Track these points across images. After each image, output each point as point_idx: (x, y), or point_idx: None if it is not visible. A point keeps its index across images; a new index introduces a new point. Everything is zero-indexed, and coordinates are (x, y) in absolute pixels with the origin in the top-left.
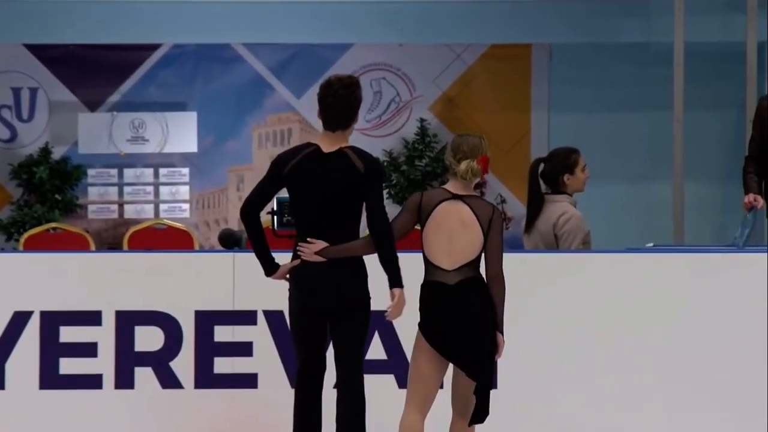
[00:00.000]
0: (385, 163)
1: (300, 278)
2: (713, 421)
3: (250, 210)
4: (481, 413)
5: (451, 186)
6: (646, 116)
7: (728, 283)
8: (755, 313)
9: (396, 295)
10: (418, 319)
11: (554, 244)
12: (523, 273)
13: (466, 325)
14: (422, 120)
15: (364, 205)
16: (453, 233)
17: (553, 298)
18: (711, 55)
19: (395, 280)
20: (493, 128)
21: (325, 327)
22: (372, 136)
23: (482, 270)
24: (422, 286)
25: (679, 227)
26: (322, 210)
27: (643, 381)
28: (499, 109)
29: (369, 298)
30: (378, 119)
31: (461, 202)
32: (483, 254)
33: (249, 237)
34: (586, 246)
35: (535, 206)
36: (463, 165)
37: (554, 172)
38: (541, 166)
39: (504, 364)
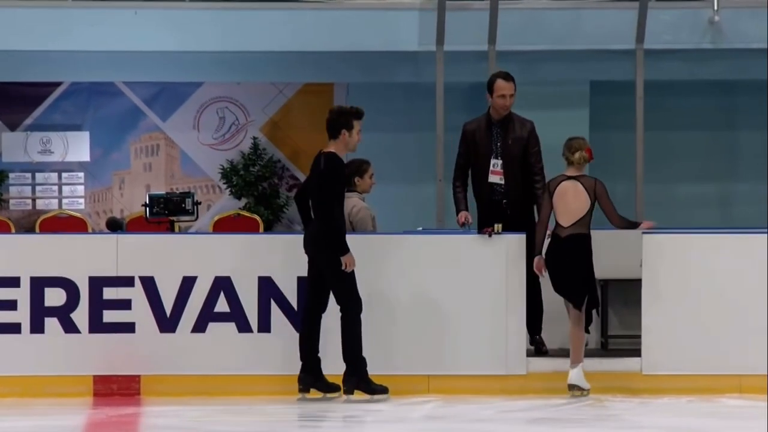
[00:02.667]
0: (228, 170)
1: None
2: None
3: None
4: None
5: (568, 171)
6: (417, 136)
7: (474, 264)
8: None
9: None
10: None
11: (349, 228)
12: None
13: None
14: (255, 138)
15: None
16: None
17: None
18: (464, 91)
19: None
20: (306, 144)
21: None
22: (218, 150)
23: None
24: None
25: (441, 217)
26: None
27: None
28: (310, 131)
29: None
30: (222, 137)
31: (575, 180)
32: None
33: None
34: (374, 229)
35: None
36: (577, 155)
37: (349, 176)
38: None
39: None
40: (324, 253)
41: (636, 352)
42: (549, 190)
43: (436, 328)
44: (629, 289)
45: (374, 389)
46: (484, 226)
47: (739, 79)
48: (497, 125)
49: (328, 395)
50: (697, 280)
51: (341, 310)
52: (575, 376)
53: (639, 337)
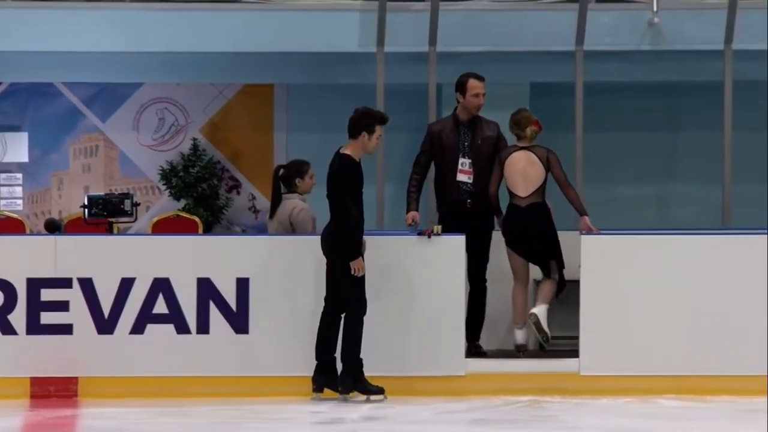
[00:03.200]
0: (167, 171)
1: None
2: None
3: None
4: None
5: (520, 143)
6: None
7: (413, 265)
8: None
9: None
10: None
11: (291, 229)
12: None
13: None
14: (194, 139)
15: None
16: (525, 170)
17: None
18: (405, 93)
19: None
20: (246, 145)
21: None
22: (158, 151)
23: None
24: (507, 208)
25: (381, 217)
26: None
27: None
28: (250, 131)
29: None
30: (162, 138)
31: (527, 150)
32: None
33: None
34: (314, 230)
35: (275, 201)
36: (528, 130)
37: (290, 177)
38: (281, 172)
39: None
40: (336, 252)
41: (574, 353)
42: (500, 161)
43: (376, 329)
44: (568, 291)
45: (370, 389)
46: (446, 226)
47: (678, 81)
48: (465, 125)
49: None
50: (636, 281)
51: (345, 309)
52: (540, 310)
53: (577, 338)
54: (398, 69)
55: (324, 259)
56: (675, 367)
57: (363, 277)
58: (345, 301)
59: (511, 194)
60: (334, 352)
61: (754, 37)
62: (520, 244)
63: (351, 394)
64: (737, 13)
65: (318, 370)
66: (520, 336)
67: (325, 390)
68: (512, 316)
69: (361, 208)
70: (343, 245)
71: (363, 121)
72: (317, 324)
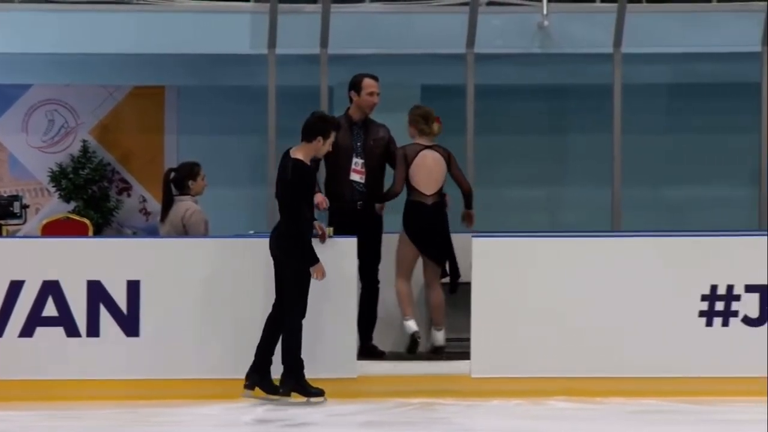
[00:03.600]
0: (57, 173)
1: None
2: None
3: None
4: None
5: (423, 141)
6: (249, 139)
7: None
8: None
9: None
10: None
11: (183, 231)
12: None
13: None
14: (84, 141)
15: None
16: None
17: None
18: (296, 95)
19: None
20: (137, 147)
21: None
22: (48, 153)
23: None
24: (408, 204)
25: (272, 220)
26: None
27: None
28: (141, 133)
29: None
30: (52, 140)
31: (431, 149)
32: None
33: None
34: (206, 232)
35: (167, 203)
36: (435, 126)
37: (182, 179)
38: (172, 174)
39: None
40: (290, 256)
41: (465, 355)
42: (406, 159)
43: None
44: (460, 293)
45: (310, 392)
46: (337, 225)
47: (568, 84)
48: (358, 125)
49: (270, 396)
50: (526, 283)
51: (285, 313)
52: (442, 337)
53: (468, 340)
54: (290, 71)
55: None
56: (566, 369)
57: (309, 283)
58: (288, 303)
59: (416, 192)
60: (272, 354)
61: (643, 40)
62: (425, 242)
63: (292, 395)
64: (626, 17)
65: (254, 368)
66: (412, 325)
67: (256, 389)
68: (401, 312)
69: (312, 211)
70: (297, 250)
71: (320, 126)
72: (208, 327)
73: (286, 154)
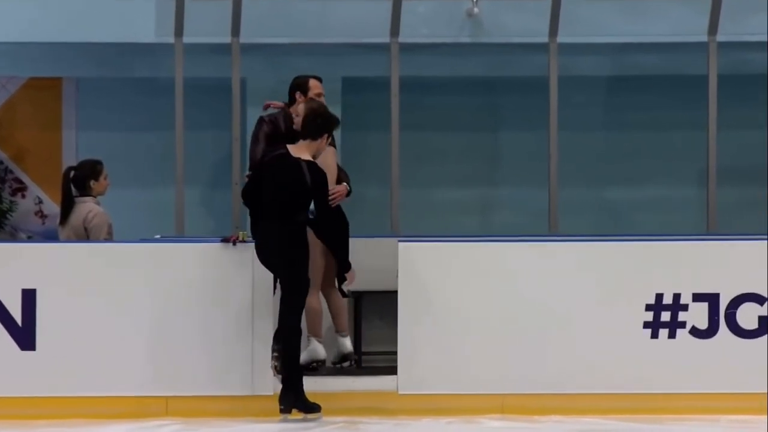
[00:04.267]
0: None
1: None
2: None
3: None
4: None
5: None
6: (154, 135)
7: (216, 275)
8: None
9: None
10: None
11: (84, 235)
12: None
13: None
14: None
15: None
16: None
17: None
18: (206, 88)
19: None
20: (33, 144)
21: None
22: None
23: None
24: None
25: (180, 223)
26: None
27: None
28: (37, 129)
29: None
30: None
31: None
32: None
33: None
34: (110, 236)
35: (67, 205)
36: None
37: (83, 178)
38: (72, 173)
39: None
40: (290, 262)
41: (392, 370)
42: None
43: (173, 346)
44: (384, 302)
45: (310, 407)
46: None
47: (499, 76)
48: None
49: (309, 416)
50: (458, 292)
51: (283, 319)
52: (349, 343)
53: (395, 353)
54: (198, 61)
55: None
56: (500, 385)
57: (307, 290)
58: (286, 309)
59: None
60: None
61: (581, 29)
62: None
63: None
64: (562, 3)
65: (286, 388)
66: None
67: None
68: (316, 328)
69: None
70: (299, 254)
71: (325, 124)
72: (112, 340)
73: (286, 156)
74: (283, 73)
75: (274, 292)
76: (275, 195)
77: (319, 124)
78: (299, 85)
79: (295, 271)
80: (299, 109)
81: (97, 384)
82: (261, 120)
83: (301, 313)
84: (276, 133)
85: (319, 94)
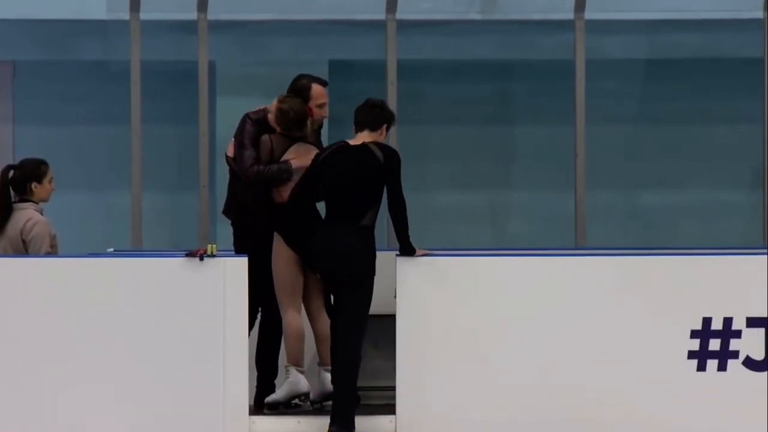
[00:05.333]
0: None
1: None
2: None
3: None
4: None
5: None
6: (107, 128)
7: (181, 295)
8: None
9: None
10: None
11: (23, 248)
12: None
13: None
14: None
15: None
16: None
17: None
18: (168, 73)
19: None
20: None
21: None
22: None
23: None
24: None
25: (138, 234)
26: None
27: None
28: None
29: None
30: None
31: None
32: None
33: None
34: (54, 249)
35: (4, 212)
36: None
37: (23, 180)
38: (11, 174)
39: None
40: (365, 273)
41: (389, 409)
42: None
43: (127, 383)
44: (380, 328)
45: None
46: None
47: (516, 59)
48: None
49: None
50: (466, 314)
51: (345, 340)
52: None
53: (393, 389)
54: (158, 42)
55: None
56: (517, 424)
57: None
58: (350, 327)
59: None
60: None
61: (611, 4)
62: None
63: None
64: None
65: (335, 413)
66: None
67: None
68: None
69: None
70: (370, 263)
71: (383, 114)
72: (54, 376)
73: (347, 145)
74: (259, 56)
75: (251, 329)
76: (343, 188)
77: (377, 115)
78: (298, 90)
79: (367, 284)
80: (272, 106)
81: (31, 428)
82: (245, 118)
83: (362, 340)
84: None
85: (322, 105)
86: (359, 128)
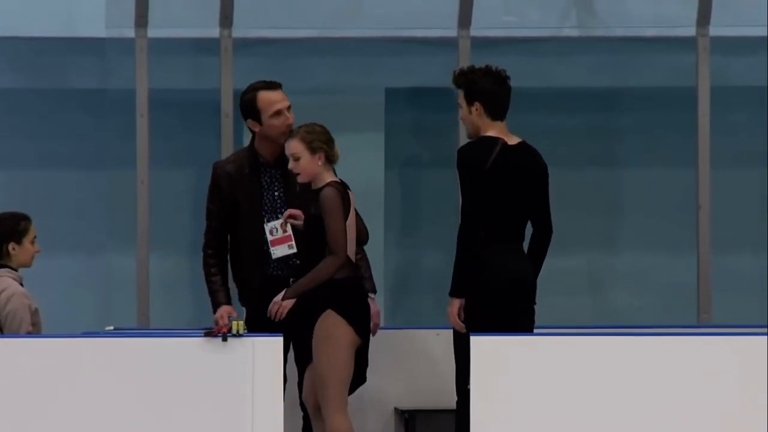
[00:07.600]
0: None
1: None
2: None
3: None
4: None
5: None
6: (106, 175)
7: (200, 380)
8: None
9: None
10: None
11: None
12: None
13: None
14: None
15: None
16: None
17: None
18: (180, 104)
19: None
20: None
21: None
22: None
23: None
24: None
25: (144, 308)
26: None
27: None
28: None
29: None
30: None
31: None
32: None
33: None
34: (36, 327)
35: None
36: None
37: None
38: None
39: None
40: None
41: None
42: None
43: None
44: (445, 425)
45: None
46: (254, 322)
47: (621, 86)
48: (270, 167)
49: None
50: (558, 408)
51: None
52: None
53: None
54: (171, 65)
55: None
56: None
57: None
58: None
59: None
60: None
61: (743, 16)
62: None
63: None
64: None
65: None
66: None
67: None
68: None
69: None
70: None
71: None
72: None
73: (505, 145)
74: (296, 82)
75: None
76: (512, 199)
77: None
78: (246, 106)
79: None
80: (291, 145)
81: None
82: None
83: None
84: (220, 188)
85: (279, 112)
86: (495, 117)
